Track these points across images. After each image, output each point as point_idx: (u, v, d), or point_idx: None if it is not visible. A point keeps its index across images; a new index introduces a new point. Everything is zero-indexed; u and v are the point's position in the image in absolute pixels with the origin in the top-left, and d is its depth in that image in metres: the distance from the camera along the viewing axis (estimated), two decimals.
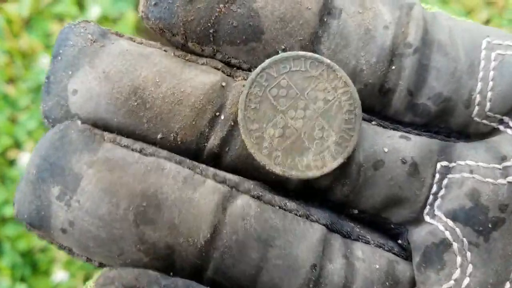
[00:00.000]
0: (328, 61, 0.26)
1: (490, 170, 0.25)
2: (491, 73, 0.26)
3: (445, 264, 0.25)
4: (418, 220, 0.26)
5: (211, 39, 0.26)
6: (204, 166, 0.26)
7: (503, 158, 0.25)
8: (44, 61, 0.94)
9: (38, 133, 0.88)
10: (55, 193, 0.23)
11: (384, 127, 0.27)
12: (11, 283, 0.77)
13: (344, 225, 0.27)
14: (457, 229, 0.25)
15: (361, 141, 0.26)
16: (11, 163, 0.87)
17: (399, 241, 0.27)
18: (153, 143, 0.26)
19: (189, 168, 0.25)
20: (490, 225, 0.24)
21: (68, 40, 0.26)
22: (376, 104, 0.28)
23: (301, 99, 0.26)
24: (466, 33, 0.27)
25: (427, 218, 0.26)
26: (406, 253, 0.27)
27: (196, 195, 0.24)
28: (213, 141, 0.26)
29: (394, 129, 0.27)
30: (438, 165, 0.26)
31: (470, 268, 0.24)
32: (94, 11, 0.97)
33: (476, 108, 0.26)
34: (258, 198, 0.25)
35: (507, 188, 0.25)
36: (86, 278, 0.83)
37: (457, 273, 0.24)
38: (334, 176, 0.26)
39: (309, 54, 0.26)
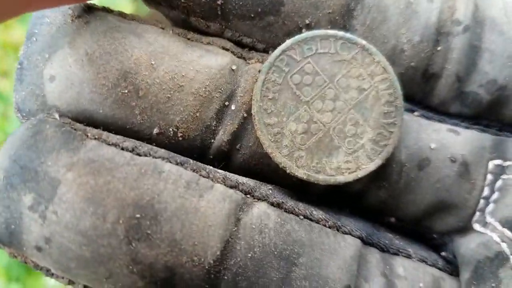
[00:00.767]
0: (364, 42, 0.22)
1: None
2: None
3: (501, 282, 0.22)
4: (465, 229, 0.23)
5: (219, 12, 0.22)
6: (211, 167, 0.21)
7: None
8: None
9: None
10: (27, 202, 0.19)
11: (428, 118, 0.24)
12: (6, 283, 0.75)
13: (381, 236, 0.23)
14: None
15: (404, 136, 0.23)
16: None
17: (443, 253, 0.24)
18: (149, 139, 0.22)
19: (193, 171, 0.21)
20: None
21: (45, 17, 0.22)
22: (418, 92, 0.24)
23: (330, 87, 0.22)
24: None
25: (476, 227, 0.23)
26: (451, 267, 0.24)
27: (202, 203, 0.20)
28: (222, 136, 0.22)
29: (440, 121, 0.24)
30: (491, 164, 0.23)
31: None
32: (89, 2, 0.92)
33: None
34: (278, 206, 0.21)
35: None
36: None
37: None
38: (369, 178, 0.22)
39: (340, 33, 0.22)
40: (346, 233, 0.22)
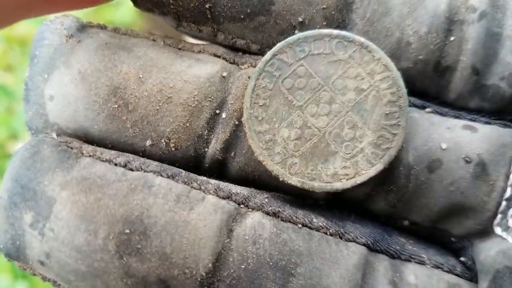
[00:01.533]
0: (362, 39, 0.20)
1: None
2: None
3: None
4: (485, 232, 0.21)
5: (209, 16, 0.22)
6: (203, 179, 0.21)
7: None
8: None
9: None
10: (27, 220, 0.20)
11: (442, 114, 0.22)
12: (12, 281, 0.77)
13: (392, 242, 0.22)
14: None
15: (411, 136, 0.21)
16: (10, 156, 0.86)
17: (462, 258, 0.22)
18: (143, 151, 0.22)
19: (184, 183, 0.20)
20: None
21: (44, 39, 0.22)
22: (432, 86, 0.22)
23: (325, 90, 0.20)
24: None
25: (497, 230, 0.21)
26: (471, 274, 0.22)
27: (193, 216, 0.20)
28: (215, 145, 0.21)
29: (455, 117, 0.21)
30: None
31: None
32: None
33: None
34: (275, 215, 0.21)
35: None
36: None
37: None
38: (374, 182, 0.21)
39: (335, 31, 0.20)
40: (350, 241, 0.21)
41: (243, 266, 0.20)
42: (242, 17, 0.21)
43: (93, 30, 0.22)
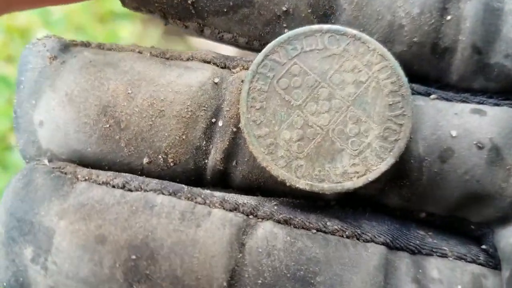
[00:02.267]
0: (354, 31, 0.19)
1: None
2: None
3: None
4: (506, 218, 0.20)
5: (193, 11, 0.21)
6: (207, 192, 0.20)
7: None
8: None
9: None
10: (28, 255, 0.19)
11: (448, 99, 0.21)
12: None
13: (411, 236, 0.21)
14: None
15: (418, 126, 0.20)
16: (11, 148, 0.84)
17: (484, 246, 0.21)
18: (141, 170, 0.21)
19: (188, 199, 0.20)
20: None
21: (28, 64, 0.22)
22: (431, 70, 0.21)
23: (322, 86, 0.19)
24: None
25: None
26: (495, 261, 0.21)
27: (200, 233, 0.19)
28: (215, 155, 0.21)
29: (462, 101, 0.21)
30: None
31: None
32: None
33: None
34: (286, 222, 0.20)
35: None
36: None
37: None
38: (385, 177, 0.20)
39: (326, 26, 0.19)
40: (368, 241, 0.20)
41: (259, 281, 0.19)
42: (225, 10, 0.21)
43: (77, 49, 0.22)
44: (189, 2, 0.21)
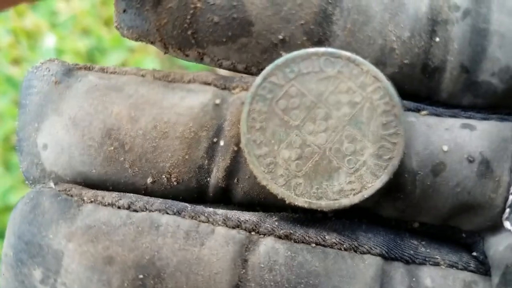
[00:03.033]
0: (348, 53, 0.20)
1: None
2: None
3: None
4: (496, 227, 0.21)
5: (192, 41, 0.22)
6: (210, 210, 0.21)
7: None
8: (49, 41, 0.89)
9: None
10: (37, 277, 0.20)
11: (438, 115, 0.22)
12: None
13: (405, 246, 0.22)
14: None
15: (411, 141, 0.21)
16: (15, 148, 0.85)
17: (475, 253, 0.22)
18: (145, 189, 0.21)
19: (192, 218, 0.20)
20: None
21: (32, 87, 0.22)
22: (422, 89, 0.22)
23: (319, 107, 0.20)
24: None
25: (507, 225, 0.21)
26: (485, 267, 0.22)
27: (205, 251, 0.20)
28: (217, 173, 0.21)
29: (452, 116, 0.22)
30: None
31: None
32: None
33: None
34: (287, 237, 0.21)
35: None
36: None
37: None
38: (380, 193, 0.21)
39: (322, 49, 0.20)
40: (364, 253, 0.21)
41: None
42: (224, 40, 0.21)
43: (81, 73, 0.22)
44: (189, 33, 0.21)
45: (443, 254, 0.22)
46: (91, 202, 0.20)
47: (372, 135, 0.20)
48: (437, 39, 0.21)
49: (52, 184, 0.21)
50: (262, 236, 0.20)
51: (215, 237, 0.20)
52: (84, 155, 0.21)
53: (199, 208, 0.21)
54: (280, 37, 0.21)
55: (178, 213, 0.20)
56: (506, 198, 0.21)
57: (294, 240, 0.20)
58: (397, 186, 0.21)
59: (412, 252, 0.22)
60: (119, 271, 0.19)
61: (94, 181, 0.21)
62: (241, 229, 0.20)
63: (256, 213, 0.21)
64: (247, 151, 0.20)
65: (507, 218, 0.21)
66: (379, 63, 0.21)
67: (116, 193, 0.21)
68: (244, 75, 0.23)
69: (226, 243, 0.20)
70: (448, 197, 0.21)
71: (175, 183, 0.21)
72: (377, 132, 0.20)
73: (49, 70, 0.22)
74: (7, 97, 0.86)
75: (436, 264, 0.21)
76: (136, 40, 0.23)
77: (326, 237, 0.21)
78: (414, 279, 0.21)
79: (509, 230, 0.21)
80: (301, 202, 0.20)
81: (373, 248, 0.21)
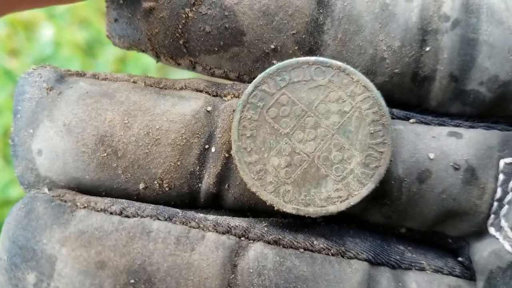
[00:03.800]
0: (339, 63, 0.20)
1: None
2: None
3: None
4: (481, 233, 0.22)
5: (184, 50, 0.22)
6: (201, 216, 0.21)
7: None
8: (47, 32, 0.89)
9: None
10: (31, 281, 0.20)
11: (426, 123, 0.22)
12: None
13: (392, 252, 0.22)
14: None
15: (398, 149, 0.21)
16: None
17: (460, 259, 0.23)
18: (137, 195, 0.22)
19: (182, 223, 0.21)
20: None
21: (25, 93, 0.22)
22: (412, 97, 0.22)
23: (309, 116, 0.21)
24: None
25: (491, 230, 0.22)
26: (470, 272, 0.22)
27: (195, 256, 0.20)
28: (208, 179, 0.22)
29: (440, 124, 0.22)
30: (501, 163, 0.21)
31: None
32: None
33: None
34: (276, 243, 0.21)
35: None
36: None
37: None
38: (367, 199, 0.21)
39: (312, 58, 0.20)
40: (351, 258, 0.21)
41: None
42: (216, 49, 0.22)
43: (73, 79, 0.22)
44: (181, 42, 0.21)
45: (429, 259, 0.22)
46: (84, 207, 0.21)
47: (360, 144, 0.20)
48: (427, 49, 0.21)
49: (46, 190, 0.21)
50: (251, 241, 0.21)
51: (205, 243, 0.20)
52: (77, 161, 0.21)
53: (190, 213, 0.21)
54: (272, 46, 0.21)
55: (169, 219, 0.21)
56: (491, 205, 0.21)
57: (282, 245, 0.21)
58: (383, 192, 0.21)
59: (398, 257, 0.22)
60: (111, 275, 0.20)
61: (87, 186, 0.22)
62: (231, 234, 0.21)
63: (246, 218, 0.22)
64: (237, 158, 0.21)
65: (491, 224, 0.21)
66: (370, 72, 0.21)
67: (109, 199, 0.21)
68: (236, 82, 0.23)
69: (216, 248, 0.20)
70: (433, 204, 0.21)
71: (167, 189, 0.22)
72: (365, 141, 0.20)
73: (41, 76, 0.22)
74: (6, 90, 0.86)
75: (422, 269, 0.22)
76: (128, 49, 0.23)
77: (314, 242, 0.21)
78: (400, 284, 0.21)
79: (494, 236, 0.21)
80: (289, 208, 0.21)
81: (360, 253, 0.21)
